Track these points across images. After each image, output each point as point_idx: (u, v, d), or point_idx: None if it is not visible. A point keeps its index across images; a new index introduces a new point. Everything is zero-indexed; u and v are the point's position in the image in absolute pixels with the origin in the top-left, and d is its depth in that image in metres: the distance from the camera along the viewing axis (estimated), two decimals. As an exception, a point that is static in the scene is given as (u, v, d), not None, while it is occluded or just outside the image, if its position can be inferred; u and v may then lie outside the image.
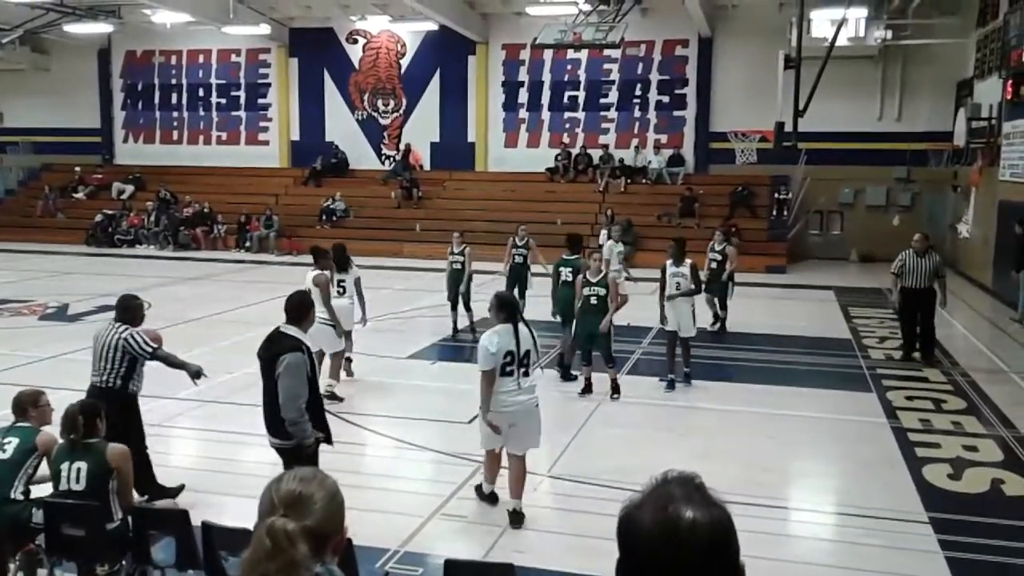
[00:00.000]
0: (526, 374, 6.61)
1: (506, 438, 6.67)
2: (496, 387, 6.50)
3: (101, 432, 5.32)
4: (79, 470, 5.11)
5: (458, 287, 13.42)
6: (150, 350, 6.64)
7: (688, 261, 10.96)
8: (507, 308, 6.66)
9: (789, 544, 6.56)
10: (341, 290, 10.70)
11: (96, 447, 5.20)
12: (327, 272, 10.23)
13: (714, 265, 14.04)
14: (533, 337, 6.68)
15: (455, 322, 13.63)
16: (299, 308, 5.90)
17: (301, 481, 2.04)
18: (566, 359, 11.10)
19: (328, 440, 5.95)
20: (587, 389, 10.34)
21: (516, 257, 14.12)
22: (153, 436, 8.49)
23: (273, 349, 5.71)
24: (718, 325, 14.23)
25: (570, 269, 11.04)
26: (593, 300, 10.08)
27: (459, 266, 13.48)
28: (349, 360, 11.11)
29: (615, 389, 10.21)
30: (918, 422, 9.44)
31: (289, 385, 5.56)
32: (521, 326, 6.58)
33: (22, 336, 13.53)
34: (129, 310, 6.77)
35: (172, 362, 6.87)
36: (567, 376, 10.93)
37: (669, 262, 10.91)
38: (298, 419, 5.61)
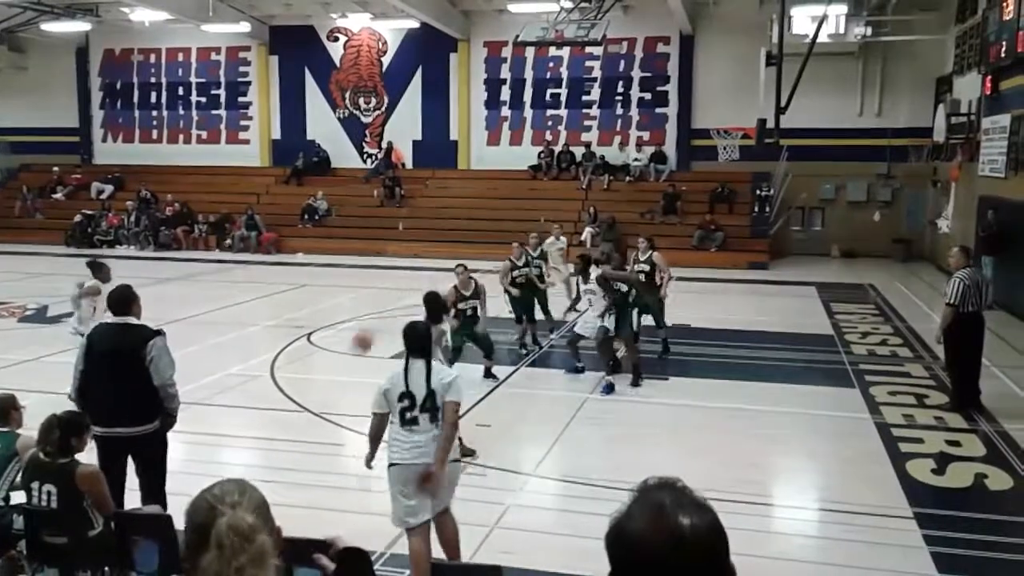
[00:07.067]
0: (433, 420, 5.44)
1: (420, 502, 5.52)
2: (396, 437, 5.46)
3: (77, 449, 5.12)
4: (49, 493, 4.94)
5: None
6: None
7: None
8: (406, 340, 5.65)
9: (774, 541, 6.58)
10: None
11: (65, 469, 4.97)
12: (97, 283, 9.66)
13: (641, 277, 11.71)
14: (428, 380, 5.44)
15: None
16: (128, 300, 6.22)
17: (234, 483, 2.01)
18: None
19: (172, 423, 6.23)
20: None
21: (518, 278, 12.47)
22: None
23: (131, 339, 5.97)
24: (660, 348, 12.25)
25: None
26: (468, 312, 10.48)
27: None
28: None
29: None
30: (901, 417, 9.48)
31: (167, 363, 6.01)
32: (417, 365, 5.51)
33: (1, 339, 13.38)
34: None
35: None
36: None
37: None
38: (176, 394, 6.08)
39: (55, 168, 29.20)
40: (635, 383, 10.66)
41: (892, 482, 7.61)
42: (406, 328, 5.79)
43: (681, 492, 1.64)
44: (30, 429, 5.45)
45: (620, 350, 11.02)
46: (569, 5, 19.80)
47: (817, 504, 7.50)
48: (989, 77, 17.33)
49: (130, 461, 6.07)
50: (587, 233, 22.78)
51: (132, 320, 6.18)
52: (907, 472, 7.84)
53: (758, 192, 24.01)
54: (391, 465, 5.52)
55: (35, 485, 5.00)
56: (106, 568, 5.02)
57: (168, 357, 6.03)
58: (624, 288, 10.74)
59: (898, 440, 8.73)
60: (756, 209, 23.95)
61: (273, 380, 10.95)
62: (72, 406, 5.86)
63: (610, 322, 10.86)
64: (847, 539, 6.56)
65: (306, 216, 25.81)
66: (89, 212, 26.72)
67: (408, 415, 5.45)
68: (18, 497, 5.31)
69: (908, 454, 8.31)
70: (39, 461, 5.03)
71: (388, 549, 6.15)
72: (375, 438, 5.68)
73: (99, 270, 9.68)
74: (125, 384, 5.93)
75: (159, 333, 6.04)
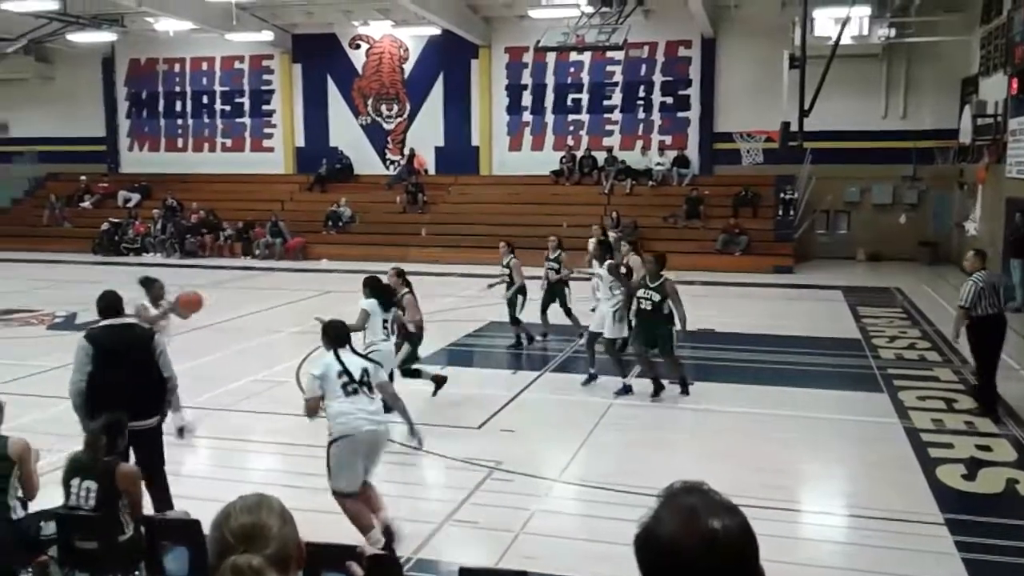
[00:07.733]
0: (371, 392, 6.18)
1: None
2: (343, 410, 6.00)
3: (117, 448, 5.29)
4: (88, 490, 5.03)
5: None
6: None
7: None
8: (327, 335, 6.38)
9: (803, 547, 6.51)
10: (387, 331, 9.40)
11: (107, 467, 5.09)
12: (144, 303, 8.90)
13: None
14: (366, 359, 6.44)
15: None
16: (119, 302, 6.67)
17: (249, 512, 2.03)
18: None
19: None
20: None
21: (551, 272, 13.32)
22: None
23: (139, 336, 6.49)
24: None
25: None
26: None
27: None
28: None
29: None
30: (930, 422, 9.38)
31: (169, 358, 6.50)
32: (346, 353, 6.26)
33: (31, 345, 13.54)
34: None
35: None
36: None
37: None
38: (177, 386, 6.66)
39: (82, 177, 29.56)
40: (684, 391, 10.47)
41: (922, 487, 7.52)
42: (325, 327, 6.43)
43: (709, 495, 1.64)
44: (56, 435, 5.49)
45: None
46: (590, 10, 19.79)
47: (846, 510, 7.43)
48: (1015, 78, 17.14)
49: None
50: (612, 236, 22.72)
51: (125, 320, 6.63)
52: (937, 477, 7.75)
53: (782, 195, 23.85)
54: (342, 438, 5.99)
55: (75, 482, 5.08)
56: (136, 573, 5.06)
57: (167, 354, 6.56)
58: (657, 298, 10.34)
59: (927, 445, 8.63)
60: (780, 212, 23.77)
61: (298, 385, 10.99)
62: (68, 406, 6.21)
63: (620, 330, 10.67)
64: (877, 545, 6.49)
65: (330, 223, 25.94)
66: (116, 220, 26.97)
67: (350, 388, 6.05)
68: (34, 505, 5.34)
69: (938, 459, 8.21)
70: (81, 459, 5.14)
71: (415, 554, 6.16)
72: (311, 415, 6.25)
73: (151, 286, 9.16)
74: (136, 378, 6.22)
75: (154, 331, 6.70)
